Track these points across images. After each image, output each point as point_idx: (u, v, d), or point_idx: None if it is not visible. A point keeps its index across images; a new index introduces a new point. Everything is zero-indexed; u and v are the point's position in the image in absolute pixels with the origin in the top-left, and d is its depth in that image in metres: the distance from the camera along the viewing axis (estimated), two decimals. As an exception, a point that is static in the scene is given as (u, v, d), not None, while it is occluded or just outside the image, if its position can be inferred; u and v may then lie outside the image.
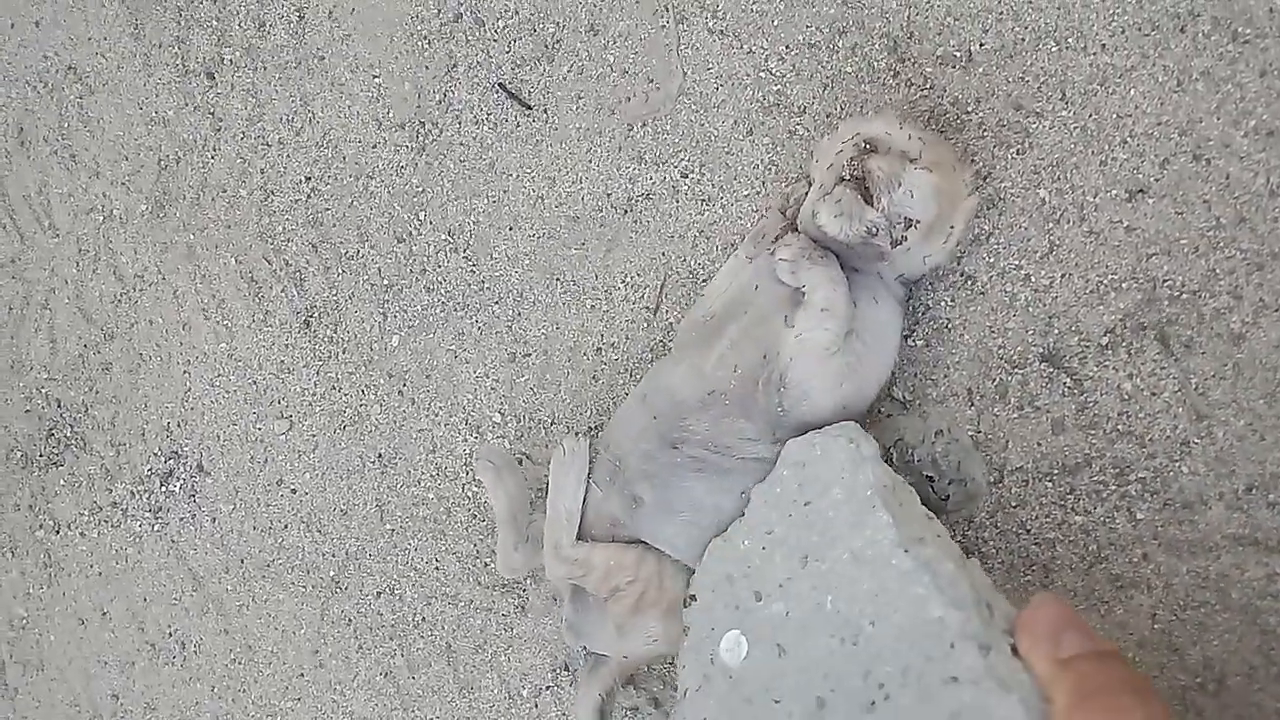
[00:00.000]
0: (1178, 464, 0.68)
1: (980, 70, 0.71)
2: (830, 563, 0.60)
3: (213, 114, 0.95)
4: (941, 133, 0.72)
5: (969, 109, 0.72)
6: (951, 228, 0.66)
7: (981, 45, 0.71)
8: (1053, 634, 0.51)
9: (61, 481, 1.02)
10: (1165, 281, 0.68)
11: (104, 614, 0.99)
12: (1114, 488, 0.69)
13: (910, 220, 0.64)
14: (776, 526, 0.64)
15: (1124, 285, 0.68)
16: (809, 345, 0.65)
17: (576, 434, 0.76)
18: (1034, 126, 0.70)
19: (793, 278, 0.65)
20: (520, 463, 0.83)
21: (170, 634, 0.96)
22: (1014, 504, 0.71)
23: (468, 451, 0.86)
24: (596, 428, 0.82)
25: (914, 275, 0.69)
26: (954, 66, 0.72)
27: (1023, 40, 0.70)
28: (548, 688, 0.82)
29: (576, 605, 0.75)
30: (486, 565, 0.84)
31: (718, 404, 0.68)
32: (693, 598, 0.68)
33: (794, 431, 0.67)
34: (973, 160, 0.71)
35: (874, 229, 0.64)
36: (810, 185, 0.70)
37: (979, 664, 0.53)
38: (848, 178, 0.64)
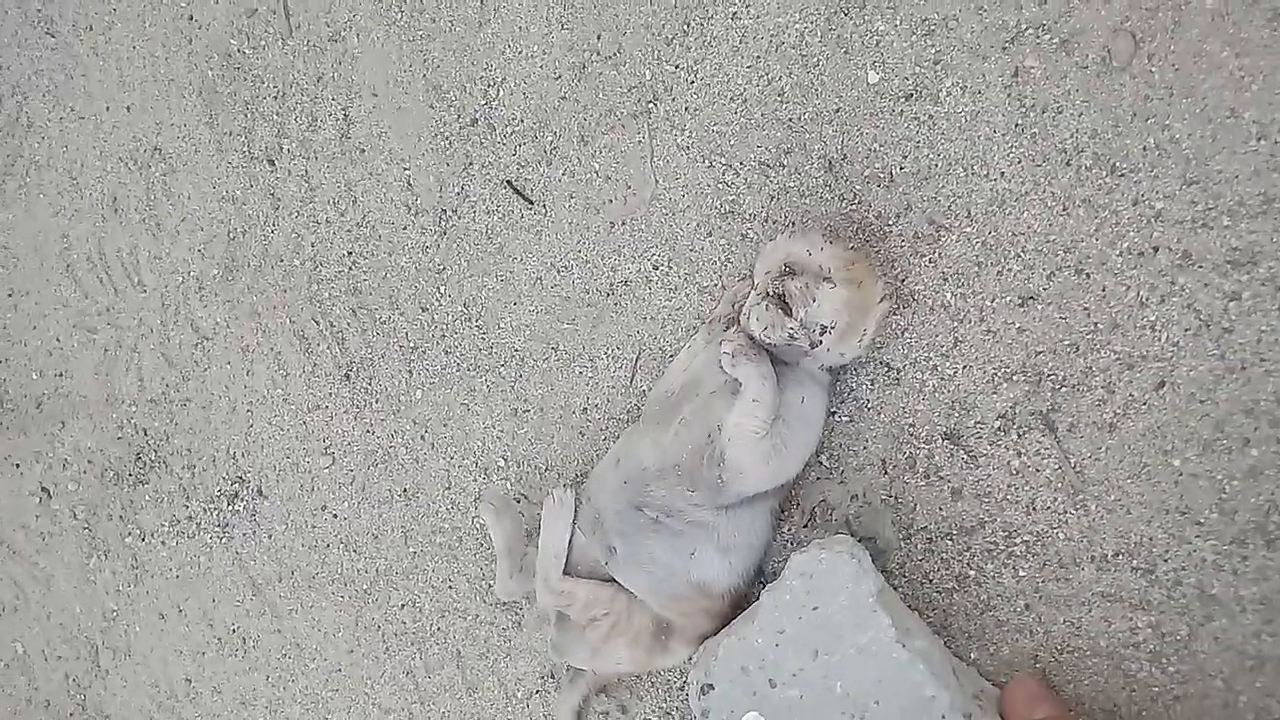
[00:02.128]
0: (1056, 530, 0.79)
1: (900, 189, 0.83)
2: (839, 656, 0.73)
3: (273, 195, 1.12)
4: (866, 241, 0.84)
5: (890, 222, 0.83)
6: (865, 330, 0.78)
7: (902, 169, 0.83)
8: (1030, 703, 0.68)
9: (146, 497, 1.20)
10: (1050, 376, 0.79)
11: (180, 611, 1.17)
12: (1002, 548, 0.81)
13: (825, 327, 0.76)
14: (788, 627, 0.75)
15: (1015, 377, 0.80)
16: (742, 431, 0.77)
17: (565, 485, 0.89)
18: (943, 239, 0.82)
19: (732, 370, 0.77)
20: (519, 502, 0.98)
21: (233, 630, 1.13)
22: (919, 558, 0.83)
23: (477, 489, 1.01)
24: (581, 475, 0.96)
25: (836, 366, 0.81)
26: (879, 185, 0.84)
27: (936, 166, 0.81)
28: (537, 691, 0.97)
29: (560, 627, 0.87)
30: (490, 586, 0.99)
31: (672, 474, 0.80)
32: (710, 686, 0.78)
33: (731, 500, 0.79)
34: (892, 267, 0.83)
35: (794, 335, 0.76)
36: (754, 284, 0.82)
37: None
38: (771, 294, 0.76)
